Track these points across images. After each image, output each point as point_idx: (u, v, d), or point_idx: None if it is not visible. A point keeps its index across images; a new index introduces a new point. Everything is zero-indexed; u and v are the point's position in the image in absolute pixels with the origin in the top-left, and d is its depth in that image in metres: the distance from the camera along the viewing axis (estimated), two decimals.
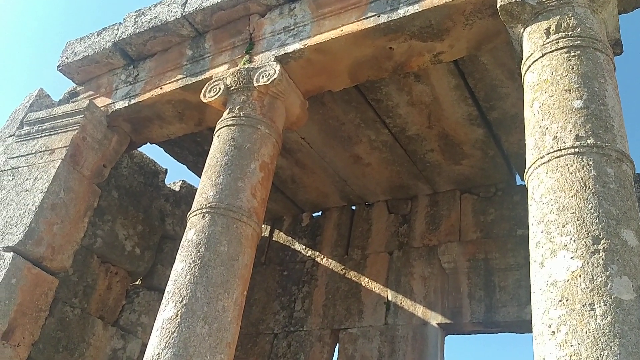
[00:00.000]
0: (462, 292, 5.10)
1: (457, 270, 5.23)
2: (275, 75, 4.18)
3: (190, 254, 3.54)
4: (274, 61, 4.26)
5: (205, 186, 3.85)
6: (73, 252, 4.58)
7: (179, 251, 3.64)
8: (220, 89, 4.34)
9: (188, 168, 6.26)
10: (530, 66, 3.23)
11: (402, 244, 5.72)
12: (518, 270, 4.92)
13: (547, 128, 2.90)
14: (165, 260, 6.04)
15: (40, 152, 4.78)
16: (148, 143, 5.45)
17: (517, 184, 5.55)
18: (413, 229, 5.76)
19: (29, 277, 4.21)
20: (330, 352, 5.55)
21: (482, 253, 5.20)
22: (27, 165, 4.76)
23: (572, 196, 2.60)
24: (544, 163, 2.80)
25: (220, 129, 4.14)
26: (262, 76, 4.22)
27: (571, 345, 2.24)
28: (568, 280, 2.39)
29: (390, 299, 5.44)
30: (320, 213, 6.64)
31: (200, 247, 3.55)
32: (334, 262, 6.07)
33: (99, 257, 5.42)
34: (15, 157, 4.95)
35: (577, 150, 2.73)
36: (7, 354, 4.01)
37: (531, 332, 4.69)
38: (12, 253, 4.17)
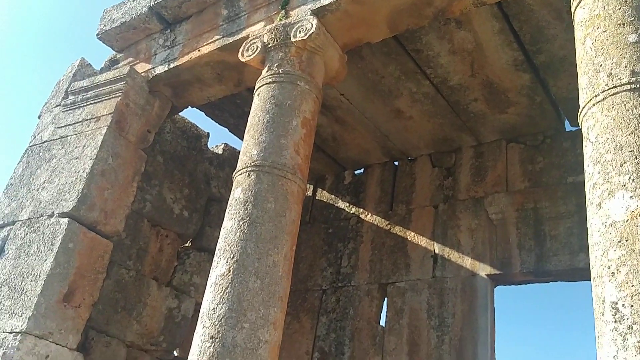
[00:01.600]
0: (511, 242, 5.03)
1: (505, 221, 5.15)
2: (312, 30, 4.11)
3: (239, 212, 3.58)
4: (310, 15, 4.18)
5: (249, 145, 3.86)
6: (124, 216, 4.70)
7: (227, 209, 3.69)
8: (257, 47, 4.30)
9: (229, 131, 6.30)
10: (580, 1, 3.07)
11: (447, 197, 5.66)
12: (569, 218, 4.80)
13: (600, 65, 2.77)
14: (213, 222, 6.16)
15: (87, 120, 4.88)
16: (189, 107, 5.49)
17: (567, 130, 5.37)
18: (458, 182, 5.68)
19: (84, 241, 4.35)
20: (379, 306, 5.60)
21: (531, 202, 5.09)
22: (75, 134, 4.87)
23: (629, 134, 2.49)
24: (598, 102, 2.68)
25: (260, 87, 4.12)
26: (299, 31, 4.16)
27: (632, 286, 2.17)
28: (627, 221, 2.31)
29: (437, 252, 5.42)
30: (362, 170, 6.61)
31: (248, 205, 3.59)
32: (378, 218, 6.07)
33: (149, 220, 5.57)
34: (63, 126, 5.08)
35: (633, 86, 2.59)
36: (70, 314, 4.20)
37: (584, 280, 4.62)
38: (67, 219, 4.31)
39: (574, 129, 5.21)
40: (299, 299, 6.06)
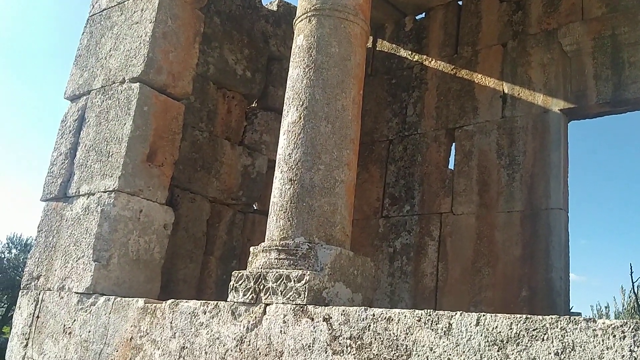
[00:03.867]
0: (587, 73, 4.80)
1: (580, 51, 4.87)
2: None
3: (303, 59, 3.56)
4: None
5: None
6: (191, 78, 4.78)
7: (291, 58, 3.67)
8: None
9: None
10: None
11: (517, 33, 5.37)
12: None
13: None
14: (275, 81, 6.19)
15: None
16: None
17: None
18: (528, 15, 5.34)
19: (157, 104, 4.51)
20: (447, 151, 5.63)
21: (609, 29, 4.76)
22: None
23: None
24: None
25: None
26: None
27: None
28: None
29: (506, 91, 5.27)
30: (423, 14, 6.31)
31: (312, 51, 3.55)
32: (443, 63, 5.89)
33: (215, 83, 5.66)
34: None
35: None
36: (155, 173, 4.48)
37: None
38: (138, 83, 4.44)
39: None
40: (366, 150, 6.16)
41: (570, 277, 4.68)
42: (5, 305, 21.40)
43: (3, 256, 21.84)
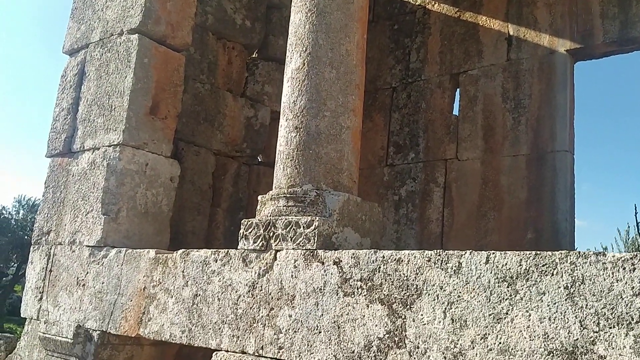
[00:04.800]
0: (593, 12, 4.69)
1: None
2: None
3: (305, 3, 3.48)
4: None
5: None
6: (190, 28, 4.69)
7: (292, 2, 3.59)
8: None
9: None
10: None
11: None
12: None
13: None
14: (276, 30, 6.08)
15: None
16: None
17: None
18: None
19: (157, 56, 4.44)
20: (451, 97, 5.58)
21: None
22: None
23: None
24: None
25: None
26: None
27: None
28: None
29: (511, 33, 5.17)
30: None
31: None
32: (446, 6, 5.76)
33: (214, 33, 5.56)
34: None
35: None
36: (158, 126, 4.46)
37: None
38: (136, 35, 4.36)
39: None
40: (369, 99, 6.09)
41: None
42: (16, 265, 21.78)
43: (11, 217, 22.07)
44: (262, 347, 2.95)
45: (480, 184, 5.07)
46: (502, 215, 4.87)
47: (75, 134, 4.61)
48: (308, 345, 2.76)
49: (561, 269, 2.06)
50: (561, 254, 2.08)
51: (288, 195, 3.18)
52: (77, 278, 4.13)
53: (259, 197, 3.41)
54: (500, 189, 4.92)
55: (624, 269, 1.92)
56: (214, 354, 3.11)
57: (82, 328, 3.94)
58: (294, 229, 3.03)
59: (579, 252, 2.04)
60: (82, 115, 4.60)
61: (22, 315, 4.60)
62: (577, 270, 2.03)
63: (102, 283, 3.93)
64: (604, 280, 1.96)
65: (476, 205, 5.06)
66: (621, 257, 1.93)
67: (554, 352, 2.01)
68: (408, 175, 5.69)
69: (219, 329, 3.17)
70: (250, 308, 3.06)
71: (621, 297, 1.90)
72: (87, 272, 4.08)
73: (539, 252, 2.14)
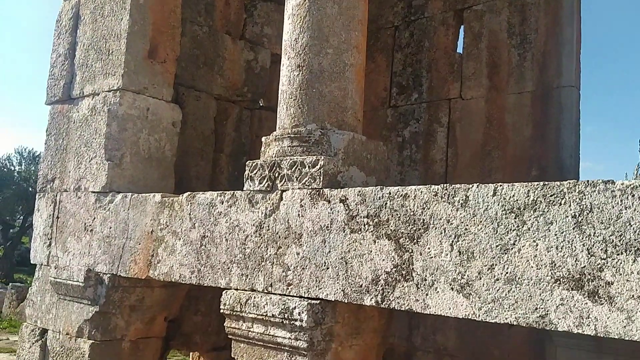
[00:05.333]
0: None
1: None
2: None
3: None
4: None
5: None
6: None
7: None
8: None
9: None
10: None
11: None
12: None
13: None
14: None
15: None
16: None
17: None
18: None
19: None
20: (455, 34, 5.45)
21: None
22: None
23: None
24: None
25: None
26: None
27: None
28: None
29: None
30: None
31: None
32: None
33: None
34: None
35: None
36: (157, 70, 4.39)
37: None
38: None
39: None
40: (371, 39, 5.94)
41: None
42: (22, 217, 22.01)
43: (13, 169, 22.13)
44: (271, 284, 3.00)
45: (485, 123, 5.03)
46: (506, 154, 4.85)
47: (74, 80, 4.55)
48: (316, 281, 2.80)
49: (569, 198, 2.06)
50: (569, 183, 2.07)
51: (292, 136, 3.16)
52: (85, 224, 4.16)
53: (263, 139, 3.39)
54: (504, 127, 4.88)
55: (633, 196, 1.91)
56: (224, 292, 3.17)
57: (92, 272, 4.00)
58: (299, 168, 3.02)
59: (588, 181, 2.03)
60: (79, 60, 4.52)
61: (32, 262, 4.67)
62: (585, 199, 2.02)
63: (110, 228, 3.97)
64: (613, 207, 1.96)
65: (480, 144, 5.03)
66: (630, 185, 1.93)
67: (561, 279, 2.04)
68: (411, 116, 5.63)
69: (228, 268, 3.22)
70: (258, 247, 3.09)
71: (629, 224, 1.91)
72: (94, 218, 4.10)
73: (546, 183, 2.14)
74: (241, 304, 3.04)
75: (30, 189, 20.28)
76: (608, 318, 1.92)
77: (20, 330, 4.66)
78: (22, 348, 4.54)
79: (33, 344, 4.40)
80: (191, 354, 5.88)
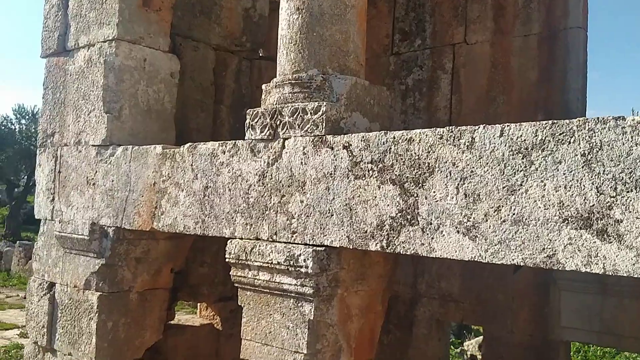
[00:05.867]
0: None
1: None
2: None
3: None
4: None
5: None
6: None
7: None
8: None
9: None
10: None
11: None
12: None
13: None
14: None
15: None
16: None
17: None
18: None
19: None
20: None
21: None
22: None
23: None
24: None
25: None
26: None
27: None
28: None
29: None
30: None
31: None
32: None
33: None
34: None
35: None
36: (153, 19, 4.27)
37: None
38: None
39: None
40: None
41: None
42: (26, 176, 22.08)
43: (14, 127, 22.05)
44: (275, 232, 2.99)
45: (490, 68, 4.92)
46: (511, 99, 4.77)
47: (68, 31, 4.44)
48: (321, 228, 2.79)
49: (579, 136, 2.01)
50: (579, 120, 2.02)
51: (293, 82, 3.08)
52: (87, 177, 4.13)
53: (263, 86, 3.32)
54: (510, 72, 4.78)
55: None
56: (229, 241, 3.16)
57: (96, 225, 4.00)
58: (300, 115, 2.96)
59: (598, 118, 1.97)
60: (73, 10, 4.39)
61: (36, 217, 4.67)
62: (595, 136, 1.97)
63: (112, 181, 3.94)
64: (623, 144, 1.91)
65: (485, 89, 4.94)
66: None
67: (569, 219, 2.01)
68: (414, 63, 5.51)
69: (232, 218, 3.21)
70: (262, 196, 3.07)
71: None
72: (96, 172, 4.07)
73: (555, 121, 2.08)
74: (246, 253, 3.04)
75: (32, 147, 20.23)
76: (617, 256, 1.91)
77: (28, 285, 4.71)
78: (30, 302, 4.60)
79: (41, 297, 4.45)
80: (199, 305, 5.97)
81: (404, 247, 2.48)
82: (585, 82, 4.47)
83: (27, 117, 22.16)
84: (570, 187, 2.02)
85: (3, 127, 21.95)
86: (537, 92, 4.59)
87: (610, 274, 1.92)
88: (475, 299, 4.60)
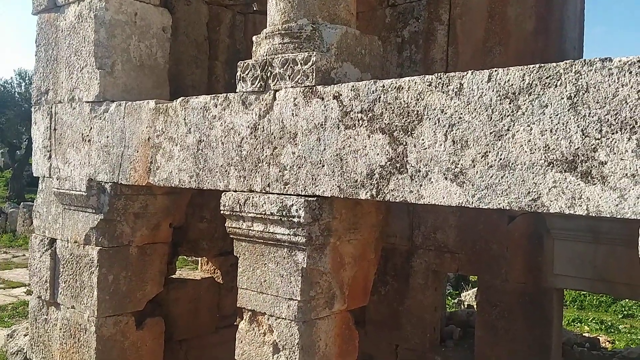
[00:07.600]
0: None
1: None
2: None
3: None
4: None
5: None
6: None
7: None
8: None
9: None
10: None
11: None
12: None
13: None
14: None
15: None
16: None
17: None
18: None
19: None
20: None
21: None
22: None
23: None
24: None
25: None
26: None
27: None
28: None
29: None
30: None
31: None
32: None
33: None
34: None
35: None
36: None
37: None
38: None
39: None
40: None
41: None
42: (27, 138, 22.09)
43: (14, 91, 21.95)
44: (268, 184, 3.01)
45: (486, 18, 4.84)
46: (508, 50, 4.71)
47: None
48: (312, 179, 2.81)
49: (565, 79, 2.00)
50: (566, 63, 2.01)
51: (283, 32, 3.05)
52: (82, 134, 4.14)
53: (254, 38, 3.28)
54: (507, 21, 4.70)
55: (630, 72, 1.85)
56: (223, 194, 3.20)
57: (94, 181, 4.04)
58: (291, 66, 2.94)
59: (585, 60, 1.96)
60: None
61: (34, 175, 4.71)
62: (581, 78, 1.96)
63: (107, 137, 3.95)
64: (609, 86, 1.90)
65: (482, 40, 4.88)
66: (628, 61, 1.86)
67: (554, 162, 2.02)
68: (411, 15, 5.43)
69: (226, 171, 3.23)
70: (254, 149, 3.08)
71: (626, 101, 1.86)
72: (91, 128, 4.08)
73: (543, 65, 2.07)
74: (240, 204, 3.08)
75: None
76: (600, 197, 1.93)
77: (29, 241, 4.79)
78: (32, 258, 4.68)
79: (43, 253, 4.53)
80: (199, 260, 6.07)
81: (393, 194, 2.51)
82: (582, 31, 4.41)
83: (27, 79, 22.03)
84: (556, 131, 2.02)
85: (4, 91, 21.83)
86: (534, 42, 4.53)
87: (593, 215, 1.95)
88: (470, 250, 4.67)
